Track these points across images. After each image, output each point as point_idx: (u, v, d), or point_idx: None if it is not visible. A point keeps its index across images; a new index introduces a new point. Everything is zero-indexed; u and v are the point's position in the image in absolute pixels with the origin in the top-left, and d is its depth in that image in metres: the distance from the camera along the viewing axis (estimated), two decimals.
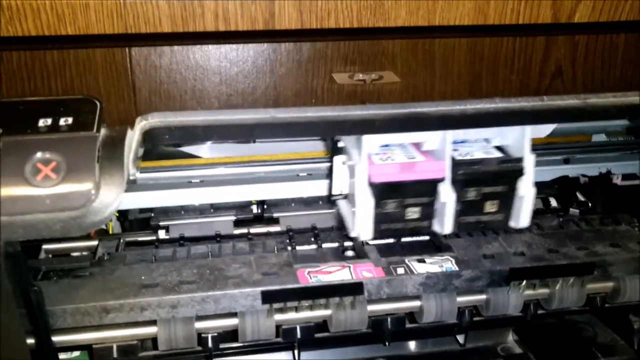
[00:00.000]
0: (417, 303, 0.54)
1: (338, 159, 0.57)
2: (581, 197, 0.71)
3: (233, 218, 0.65)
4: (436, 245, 0.59)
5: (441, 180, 0.53)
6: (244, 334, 0.52)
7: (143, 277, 0.52)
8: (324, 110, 0.51)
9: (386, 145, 0.55)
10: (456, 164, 0.53)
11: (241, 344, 0.54)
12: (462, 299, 0.55)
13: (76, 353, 0.57)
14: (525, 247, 0.57)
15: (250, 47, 0.83)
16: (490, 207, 0.54)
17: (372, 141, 0.52)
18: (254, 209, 0.67)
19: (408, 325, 0.56)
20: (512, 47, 0.87)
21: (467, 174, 0.53)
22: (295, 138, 0.64)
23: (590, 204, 0.70)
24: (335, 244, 0.62)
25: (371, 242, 0.60)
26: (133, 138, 0.45)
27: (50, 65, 0.79)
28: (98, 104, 0.45)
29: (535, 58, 0.87)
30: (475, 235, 0.60)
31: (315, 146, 0.68)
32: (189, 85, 0.83)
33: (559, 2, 0.82)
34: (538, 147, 0.71)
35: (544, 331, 0.65)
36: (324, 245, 0.61)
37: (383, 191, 0.52)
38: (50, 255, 0.60)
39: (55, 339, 0.48)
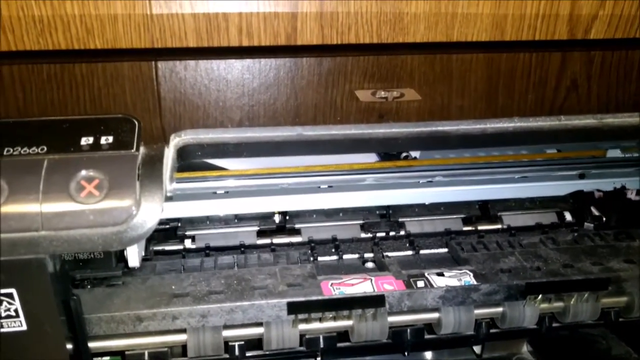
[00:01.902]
0: (435, 315, 0.56)
1: None
2: (596, 212, 0.72)
3: (256, 228, 0.67)
4: (454, 259, 0.61)
5: None
6: (270, 342, 0.54)
7: (173, 287, 0.54)
8: (348, 128, 0.53)
9: None
10: None
11: (266, 352, 0.56)
12: (479, 312, 0.57)
13: (106, 358, 0.59)
14: (541, 262, 0.59)
15: (273, 60, 0.85)
16: None
17: None
18: (277, 219, 0.68)
19: (427, 336, 0.58)
20: (529, 62, 0.88)
21: None
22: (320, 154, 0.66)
23: (604, 219, 0.72)
24: (356, 255, 0.64)
25: (391, 255, 0.62)
26: (169, 155, 0.48)
27: (78, 77, 0.81)
28: (136, 123, 0.48)
29: (551, 73, 0.89)
30: (492, 249, 0.61)
31: (336, 159, 0.70)
32: (213, 96, 0.85)
33: (575, 18, 0.84)
34: (554, 161, 0.73)
35: (558, 343, 0.66)
36: (345, 257, 0.63)
37: None
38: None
39: (92, 345, 0.50)
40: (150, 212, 0.43)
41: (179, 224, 0.66)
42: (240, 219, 0.68)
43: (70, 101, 0.83)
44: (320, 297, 0.53)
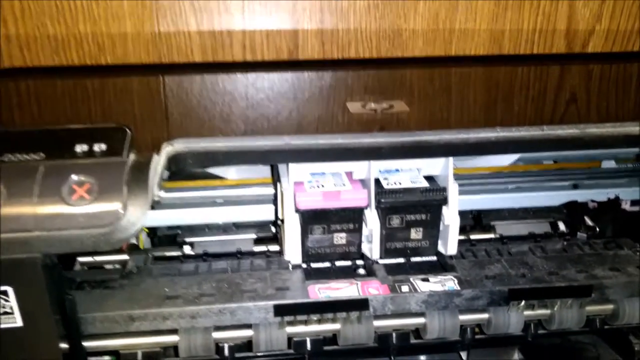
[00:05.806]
0: (421, 320, 0.57)
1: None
2: (589, 222, 0.73)
3: (254, 236, 0.69)
4: (442, 266, 0.62)
5: (365, 208, 0.58)
6: (258, 344, 0.56)
7: (167, 289, 0.56)
8: (334, 137, 0.55)
9: (321, 173, 0.60)
10: (380, 193, 0.58)
11: (255, 355, 0.58)
12: (464, 317, 0.58)
13: (106, 358, 0.62)
14: (526, 269, 0.59)
15: (275, 74, 0.88)
16: (415, 234, 0.60)
17: (300, 169, 0.58)
18: (273, 228, 0.70)
19: (413, 341, 0.59)
20: (527, 75, 0.90)
21: (389, 202, 0.58)
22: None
23: (598, 229, 0.72)
24: (348, 263, 0.65)
25: (381, 262, 0.64)
26: (159, 162, 0.50)
27: (90, 91, 0.85)
28: (129, 132, 0.50)
29: (550, 86, 0.90)
30: (480, 257, 0.63)
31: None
32: (218, 109, 0.88)
33: (572, 32, 0.85)
34: (548, 172, 0.74)
35: (548, 351, 0.67)
36: (337, 263, 0.65)
37: (309, 217, 0.58)
38: (85, 268, 0.65)
39: (86, 344, 0.53)
40: (136, 214, 0.46)
41: (179, 231, 0.69)
42: (238, 227, 0.70)
43: (83, 114, 0.87)
44: (306, 300, 0.55)
